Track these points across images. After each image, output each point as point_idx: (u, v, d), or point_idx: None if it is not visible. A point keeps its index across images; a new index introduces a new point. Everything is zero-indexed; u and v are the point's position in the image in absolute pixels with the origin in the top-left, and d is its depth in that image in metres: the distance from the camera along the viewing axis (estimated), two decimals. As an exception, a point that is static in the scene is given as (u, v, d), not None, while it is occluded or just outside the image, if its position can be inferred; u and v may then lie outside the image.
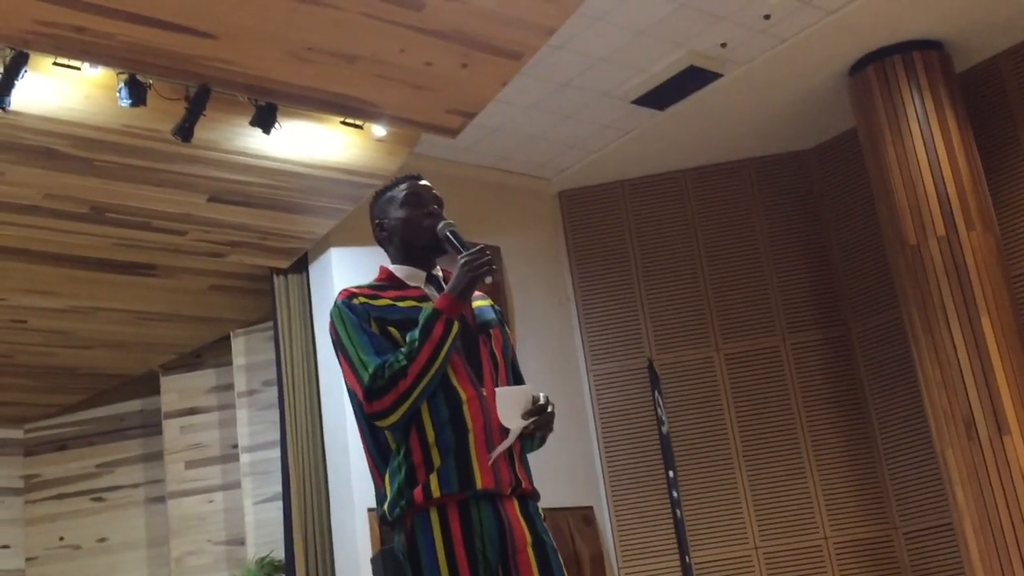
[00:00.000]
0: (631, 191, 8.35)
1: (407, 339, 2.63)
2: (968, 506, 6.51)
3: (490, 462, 2.63)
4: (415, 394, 2.59)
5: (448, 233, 2.79)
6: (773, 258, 8.19)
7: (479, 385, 2.70)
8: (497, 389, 2.69)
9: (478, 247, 2.72)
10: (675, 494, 7.34)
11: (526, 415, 2.66)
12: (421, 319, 2.64)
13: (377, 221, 2.91)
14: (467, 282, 2.67)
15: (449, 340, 2.62)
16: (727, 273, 8.16)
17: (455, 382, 2.67)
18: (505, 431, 2.66)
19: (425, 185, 2.91)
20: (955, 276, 6.77)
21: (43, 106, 5.38)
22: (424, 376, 2.59)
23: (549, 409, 2.69)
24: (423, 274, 2.84)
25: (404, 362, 2.59)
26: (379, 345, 2.66)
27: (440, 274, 2.87)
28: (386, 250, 2.93)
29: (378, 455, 2.71)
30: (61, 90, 5.37)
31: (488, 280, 2.68)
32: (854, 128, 7.61)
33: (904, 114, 7.11)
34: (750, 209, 8.30)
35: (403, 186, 2.90)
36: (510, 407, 2.66)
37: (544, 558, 2.61)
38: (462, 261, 2.69)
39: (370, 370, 2.61)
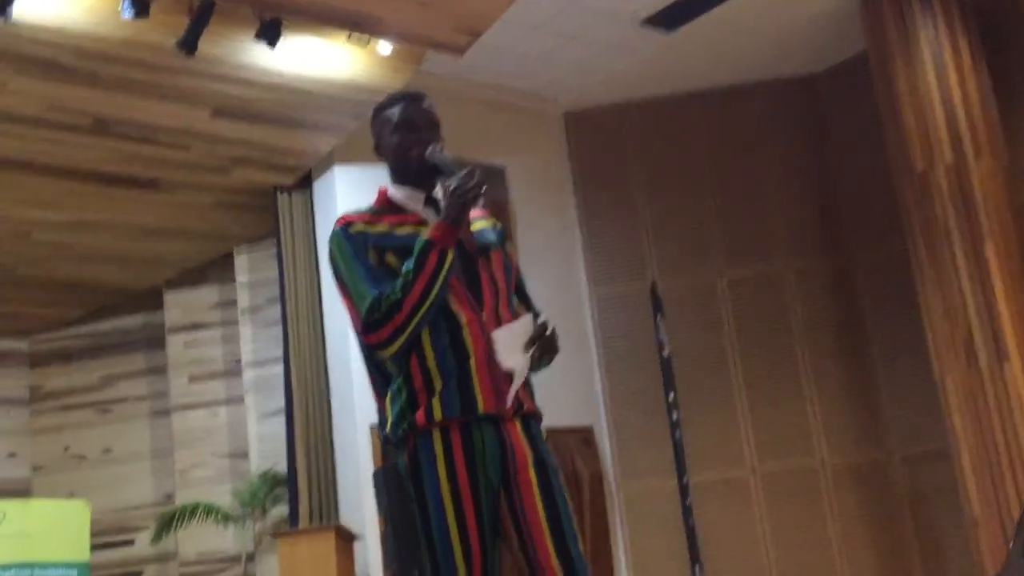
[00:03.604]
0: (637, 113, 8.28)
1: (403, 270, 2.61)
2: (965, 432, 6.57)
3: (508, 401, 2.64)
4: (411, 326, 2.59)
5: (437, 158, 2.74)
6: (779, 183, 8.15)
7: (479, 309, 2.69)
8: (492, 334, 2.67)
9: (466, 170, 2.67)
10: (675, 416, 7.39)
11: (528, 344, 2.66)
12: (415, 249, 2.61)
13: (375, 143, 2.90)
14: (458, 208, 2.63)
15: (444, 271, 2.60)
16: (732, 198, 8.13)
17: (455, 306, 2.66)
18: (510, 372, 2.65)
19: (421, 108, 2.84)
20: (961, 204, 6.75)
21: (46, 16, 5.33)
22: (420, 308, 2.59)
23: (548, 331, 2.69)
24: (422, 196, 2.80)
25: (399, 295, 2.58)
26: (376, 275, 2.64)
27: (440, 196, 2.84)
28: (388, 169, 2.91)
29: (379, 378, 2.72)
30: (64, 1, 5.31)
31: (480, 202, 2.66)
32: (865, 52, 7.52)
33: (916, 39, 7.02)
34: (757, 133, 8.23)
35: (398, 108, 2.83)
36: (509, 346, 2.65)
37: (545, 478, 2.64)
38: (451, 188, 2.64)
39: (367, 302, 2.60)
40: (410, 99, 2.87)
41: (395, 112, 2.83)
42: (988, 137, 6.87)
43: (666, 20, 7.22)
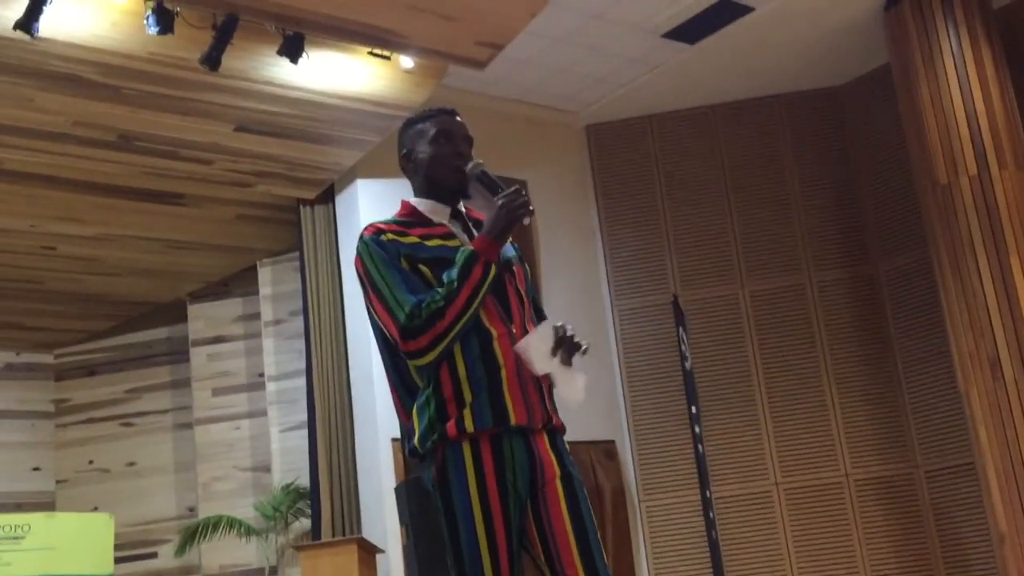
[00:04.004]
0: (659, 126, 8.28)
1: (445, 279, 2.60)
2: (991, 446, 6.52)
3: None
4: (452, 335, 2.59)
5: (479, 173, 2.73)
6: (801, 195, 8.13)
7: (508, 322, 2.70)
8: (515, 348, 2.66)
9: (514, 188, 2.67)
10: (697, 429, 7.37)
11: (553, 350, 2.67)
12: (459, 260, 2.61)
13: (404, 151, 2.86)
14: (505, 223, 2.63)
15: (487, 283, 2.61)
16: (754, 210, 8.11)
17: (485, 319, 2.66)
18: (553, 378, 2.67)
19: (458, 122, 2.84)
20: (985, 216, 6.71)
21: (71, 32, 5.38)
22: (462, 318, 2.59)
23: (569, 334, 2.69)
24: (447, 209, 2.79)
25: (442, 303, 2.57)
26: (412, 283, 2.64)
27: (464, 210, 2.84)
28: (410, 180, 2.90)
29: (403, 390, 2.71)
30: (89, 16, 5.36)
31: (526, 221, 2.66)
32: (887, 64, 7.50)
33: (939, 50, 6.99)
34: (779, 145, 8.22)
35: (435, 120, 2.83)
36: (540, 352, 2.66)
37: (571, 491, 2.64)
38: (500, 202, 2.64)
39: (406, 309, 2.59)
40: (445, 113, 2.87)
41: (430, 124, 2.82)
42: (1012, 148, 6.83)
43: (687, 33, 7.22)
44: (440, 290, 2.59)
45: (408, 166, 2.85)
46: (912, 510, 7.58)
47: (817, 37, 7.52)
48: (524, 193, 2.66)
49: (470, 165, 2.75)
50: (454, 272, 2.60)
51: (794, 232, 8.07)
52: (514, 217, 2.63)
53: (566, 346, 2.68)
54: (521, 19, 5.95)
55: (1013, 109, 6.96)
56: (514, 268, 2.79)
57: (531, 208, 2.65)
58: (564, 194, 8.09)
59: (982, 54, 6.95)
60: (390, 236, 2.70)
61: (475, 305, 2.60)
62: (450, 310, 2.57)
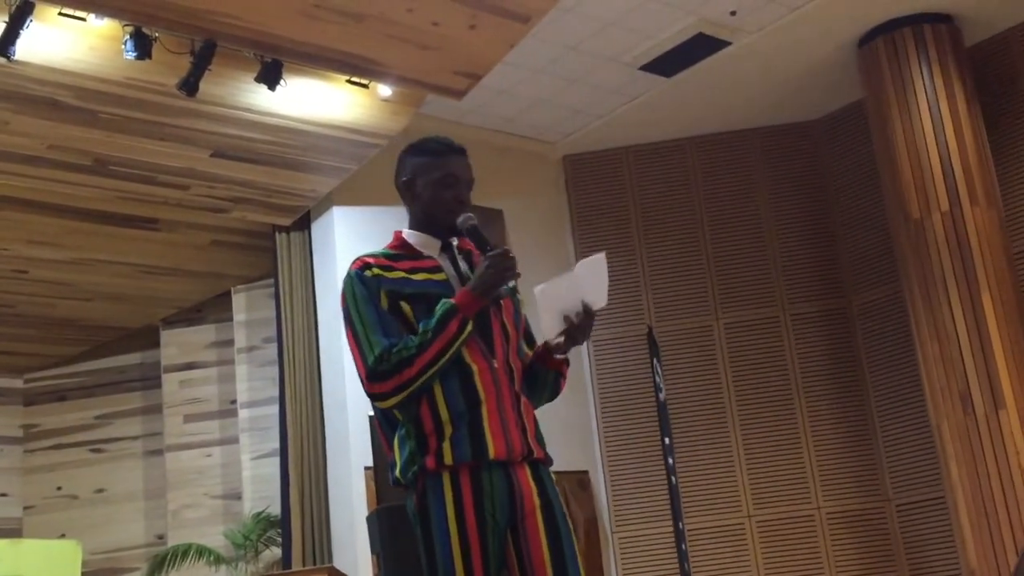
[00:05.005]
0: (635, 157, 8.33)
1: (420, 327, 2.61)
2: (961, 480, 6.55)
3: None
4: (417, 384, 2.59)
5: (469, 227, 2.74)
6: (775, 228, 8.18)
7: (491, 357, 2.70)
8: (538, 290, 2.69)
9: (502, 249, 2.67)
10: (670, 461, 7.37)
11: (566, 319, 2.71)
12: (438, 311, 2.61)
13: (406, 179, 2.83)
14: (491, 284, 2.65)
15: (462, 338, 2.61)
16: (729, 242, 8.15)
17: (467, 356, 2.66)
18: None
19: (466, 165, 2.83)
20: (957, 251, 6.77)
21: (48, 56, 5.37)
22: (430, 369, 2.59)
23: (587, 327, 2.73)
24: (438, 243, 2.80)
25: (413, 352, 2.58)
26: (387, 324, 2.64)
27: (455, 242, 2.84)
28: (406, 206, 2.86)
29: (385, 423, 2.73)
30: (66, 41, 5.35)
31: (512, 284, 2.67)
32: (861, 100, 7.58)
33: (912, 87, 7.07)
34: (754, 179, 8.28)
35: (443, 160, 2.80)
36: (552, 305, 2.69)
37: (552, 522, 2.64)
38: (487, 262, 2.65)
39: (376, 352, 2.60)
40: (454, 152, 2.84)
41: (440, 164, 2.79)
42: (983, 185, 6.90)
43: (664, 66, 7.28)
44: (414, 338, 2.60)
45: (407, 194, 2.83)
46: (883, 544, 7.59)
47: (792, 72, 7.59)
48: (512, 256, 2.67)
49: (460, 219, 2.75)
50: (431, 323, 2.60)
51: (768, 265, 8.12)
52: (501, 279, 2.65)
53: (583, 324, 2.72)
54: (499, 50, 5.98)
55: (984, 146, 7.04)
56: (501, 301, 2.79)
57: (518, 273, 2.67)
58: (540, 224, 8.11)
59: (954, 91, 7.03)
60: (375, 271, 2.70)
61: (445, 359, 2.60)
62: (419, 360, 2.58)
